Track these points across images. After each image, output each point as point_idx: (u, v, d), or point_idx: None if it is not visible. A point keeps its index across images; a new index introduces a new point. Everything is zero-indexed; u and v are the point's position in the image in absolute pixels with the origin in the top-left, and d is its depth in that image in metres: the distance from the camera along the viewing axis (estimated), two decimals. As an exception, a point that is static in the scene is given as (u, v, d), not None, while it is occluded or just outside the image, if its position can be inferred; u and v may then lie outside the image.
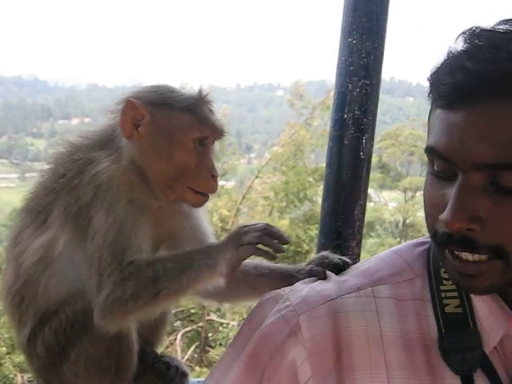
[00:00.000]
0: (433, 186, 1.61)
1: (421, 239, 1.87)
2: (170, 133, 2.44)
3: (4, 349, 19.49)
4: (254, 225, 2.25)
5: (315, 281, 1.87)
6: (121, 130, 2.46)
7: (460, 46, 1.56)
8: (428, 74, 1.62)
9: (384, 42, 2.80)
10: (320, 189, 25.93)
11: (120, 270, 2.31)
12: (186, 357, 21.00)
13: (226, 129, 2.56)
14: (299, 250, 23.70)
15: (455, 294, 1.69)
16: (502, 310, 1.65)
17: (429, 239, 1.77)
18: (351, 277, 1.82)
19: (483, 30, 1.55)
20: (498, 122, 1.46)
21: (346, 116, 2.80)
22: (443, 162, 1.56)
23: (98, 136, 2.57)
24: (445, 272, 1.71)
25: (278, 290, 1.85)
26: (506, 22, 1.56)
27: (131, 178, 2.44)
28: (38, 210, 2.54)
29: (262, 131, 67.13)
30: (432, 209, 1.61)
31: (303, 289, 1.81)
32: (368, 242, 34.72)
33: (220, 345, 21.99)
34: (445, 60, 1.58)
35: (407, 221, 37.66)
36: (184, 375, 2.80)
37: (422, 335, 1.67)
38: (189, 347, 22.25)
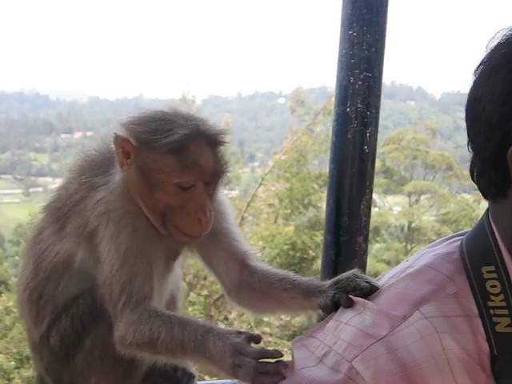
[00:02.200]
0: None
1: (444, 249, 1.77)
2: (151, 173, 2.38)
3: (13, 363, 19.46)
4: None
5: (346, 312, 1.74)
6: (116, 158, 2.47)
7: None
8: None
9: (385, 34, 2.76)
10: (324, 194, 25.81)
11: (133, 308, 2.32)
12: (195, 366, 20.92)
13: (223, 168, 2.45)
14: (305, 256, 23.62)
15: (505, 311, 1.58)
16: None
17: (453, 248, 1.71)
18: (389, 304, 1.67)
19: None
20: None
21: (348, 110, 2.75)
22: None
23: (101, 157, 2.58)
24: (492, 286, 1.61)
25: (310, 338, 1.73)
26: None
27: (129, 208, 2.44)
28: (57, 215, 2.58)
29: (265, 139, 67.21)
30: None
31: (341, 331, 1.66)
32: (374, 247, 34.65)
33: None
34: None
35: (412, 225, 37.56)
36: (191, 377, 2.78)
37: (480, 355, 1.57)
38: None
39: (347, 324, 1.66)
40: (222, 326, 22.30)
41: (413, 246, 36.57)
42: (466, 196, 37.26)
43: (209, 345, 2.12)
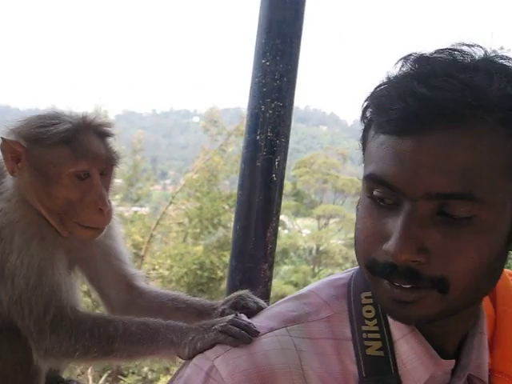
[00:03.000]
0: (371, 214, 1.53)
1: (337, 275, 1.80)
2: (44, 169, 2.34)
3: None
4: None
5: None
6: (5, 166, 2.39)
7: (401, 71, 1.51)
8: (365, 98, 1.55)
9: (297, 65, 2.80)
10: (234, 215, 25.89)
11: (65, 320, 2.25)
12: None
13: (115, 157, 2.44)
14: (213, 276, 23.68)
15: (377, 335, 1.62)
16: (427, 353, 1.59)
17: (345, 275, 1.72)
18: (263, 319, 1.71)
19: (427, 57, 1.51)
20: (450, 151, 1.41)
21: (258, 138, 2.77)
22: (388, 191, 1.48)
23: None
24: (367, 311, 1.64)
25: None
26: (442, 51, 1.51)
27: (31, 216, 2.37)
28: None
29: (178, 157, 67.08)
30: (369, 237, 1.53)
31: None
32: (282, 269, 34.98)
33: (133, 373, 21.68)
34: (387, 84, 1.51)
35: (321, 248, 38.18)
36: None
37: (345, 376, 1.59)
38: (101, 376, 21.83)
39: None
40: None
41: (320, 268, 37.12)
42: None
43: (160, 334, 2.14)
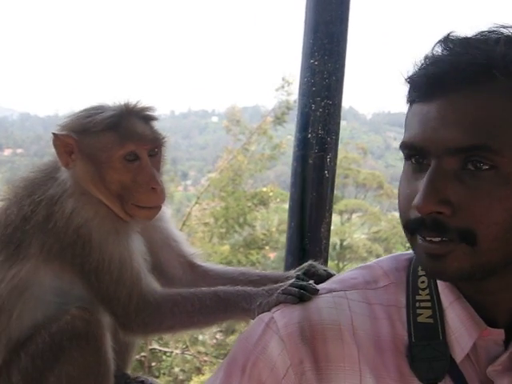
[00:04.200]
0: (407, 178, 1.67)
1: (404, 252, 1.92)
2: (95, 156, 2.45)
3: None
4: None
5: None
6: (59, 160, 2.50)
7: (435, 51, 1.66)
8: (406, 76, 1.69)
9: (345, 63, 2.85)
10: (259, 213, 25.94)
11: (147, 304, 2.42)
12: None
13: (161, 137, 2.57)
14: (240, 275, 23.58)
15: (429, 304, 1.73)
16: (472, 320, 1.68)
17: (411, 251, 1.80)
18: (327, 284, 1.89)
19: (458, 36, 1.65)
20: (466, 109, 1.55)
21: (309, 136, 2.83)
22: (418, 153, 1.63)
23: (47, 169, 2.60)
24: (422, 282, 1.76)
25: None
26: (477, 32, 1.65)
27: (102, 212, 2.48)
28: (7, 241, 2.52)
29: (198, 158, 66.98)
30: (406, 199, 1.66)
31: None
32: (306, 265, 34.82)
33: (164, 374, 21.71)
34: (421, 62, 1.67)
35: (344, 243, 38.01)
36: None
37: (395, 340, 1.71)
38: (132, 378, 21.87)
39: None
40: (156, 346, 22.16)
41: (345, 263, 36.95)
42: (396, 214, 37.44)
43: (231, 302, 2.36)
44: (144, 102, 2.56)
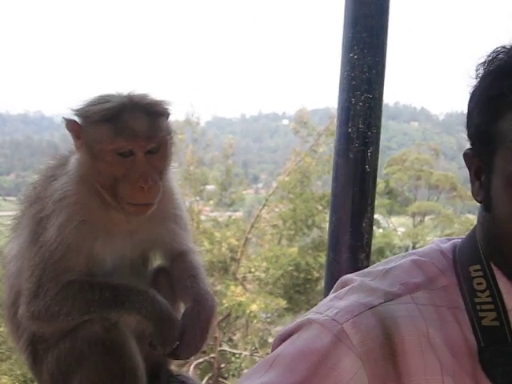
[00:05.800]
0: None
1: (440, 244, 1.85)
2: (91, 146, 2.43)
3: (17, 385, 19.40)
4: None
5: (340, 294, 1.76)
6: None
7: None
8: (487, 85, 1.61)
9: (385, 57, 2.83)
10: (328, 215, 25.58)
11: (60, 288, 2.41)
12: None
13: (162, 134, 2.48)
14: (309, 277, 23.57)
15: (491, 306, 1.66)
16: None
17: (448, 245, 1.79)
18: (383, 285, 1.73)
19: None
20: None
21: (350, 130, 2.82)
22: None
23: (68, 153, 2.63)
24: (478, 284, 1.69)
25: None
26: None
27: (84, 196, 2.49)
28: (17, 221, 2.66)
29: (269, 161, 67.20)
30: None
31: (334, 302, 1.71)
32: (379, 268, 34.45)
33: (233, 376, 21.81)
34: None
35: (417, 245, 37.44)
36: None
37: (467, 343, 1.64)
38: (202, 379, 22.09)
39: (342, 299, 1.71)
40: (226, 347, 22.30)
41: (417, 266, 36.38)
42: (470, 216, 37.15)
43: (130, 302, 2.41)
44: (155, 96, 2.49)
